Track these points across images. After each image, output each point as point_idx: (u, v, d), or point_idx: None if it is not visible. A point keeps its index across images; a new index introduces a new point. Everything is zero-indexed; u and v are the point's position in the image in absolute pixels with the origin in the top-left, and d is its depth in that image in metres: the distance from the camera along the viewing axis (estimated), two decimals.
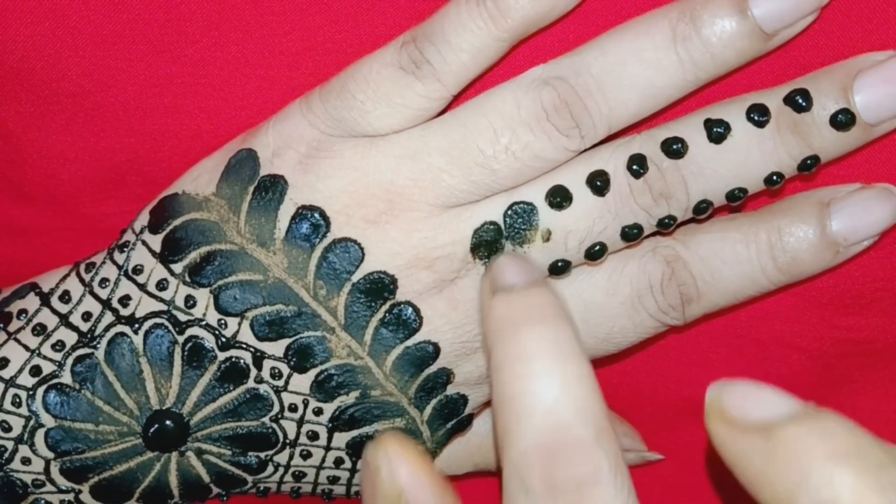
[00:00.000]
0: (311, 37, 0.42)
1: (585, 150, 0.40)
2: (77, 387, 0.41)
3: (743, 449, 0.31)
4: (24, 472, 0.42)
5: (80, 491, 0.42)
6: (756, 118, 0.39)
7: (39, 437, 0.42)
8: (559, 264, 0.41)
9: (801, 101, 0.39)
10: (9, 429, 0.42)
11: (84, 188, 0.45)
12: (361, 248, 0.40)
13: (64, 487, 0.42)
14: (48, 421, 0.42)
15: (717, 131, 0.39)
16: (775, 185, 0.40)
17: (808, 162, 0.40)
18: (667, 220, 0.40)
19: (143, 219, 0.42)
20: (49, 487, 0.42)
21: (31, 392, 0.42)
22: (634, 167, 0.40)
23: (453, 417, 0.43)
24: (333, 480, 0.44)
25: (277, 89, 0.42)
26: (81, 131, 0.43)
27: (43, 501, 0.43)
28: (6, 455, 0.42)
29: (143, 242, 0.42)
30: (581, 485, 0.32)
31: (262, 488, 0.44)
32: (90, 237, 0.46)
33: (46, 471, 0.42)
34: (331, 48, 0.42)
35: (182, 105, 0.43)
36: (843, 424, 0.30)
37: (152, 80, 0.42)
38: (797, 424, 0.30)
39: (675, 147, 0.40)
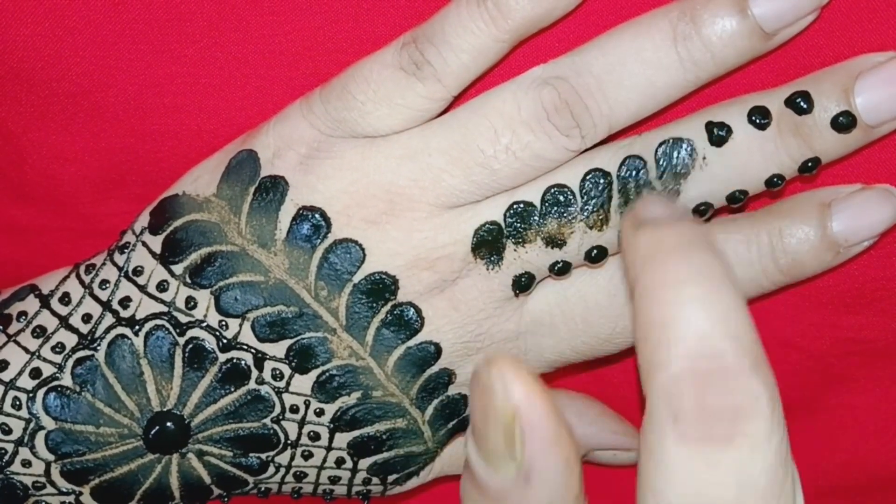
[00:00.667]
0: (311, 37, 0.41)
1: (586, 151, 0.40)
2: (77, 389, 0.41)
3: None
4: (24, 474, 0.42)
5: (80, 493, 0.42)
6: (757, 121, 0.39)
7: (40, 439, 0.42)
8: (559, 265, 0.41)
9: (802, 103, 0.39)
10: (9, 431, 0.42)
11: (84, 188, 0.45)
12: (362, 249, 0.40)
13: (64, 489, 0.42)
14: (48, 423, 0.41)
15: (718, 134, 0.39)
16: (776, 187, 0.40)
17: (809, 164, 0.40)
18: None
19: (144, 220, 0.42)
20: (49, 490, 0.42)
21: (31, 394, 0.41)
22: None
23: (455, 417, 0.43)
24: (334, 480, 0.44)
25: (277, 89, 0.42)
26: (81, 131, 0.43)
27: (43, 503, 0.43)
28: (6, 458, 0.42)
29: (144, 243, 0.42)
30: (737, 415, 0.31)
31: (263, 489, 0.44)
32: (90, 237, 0.46)
33: (47, 473, 0.42)
34: (331, 48, 0.42)
35: (182, 105, 0.43)
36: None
37: (152, 80, 0.42)
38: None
39: None
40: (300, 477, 0.43)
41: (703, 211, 0.40)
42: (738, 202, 0.40)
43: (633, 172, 0.40)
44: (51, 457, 0.42)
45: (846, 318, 0.45)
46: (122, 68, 0.42)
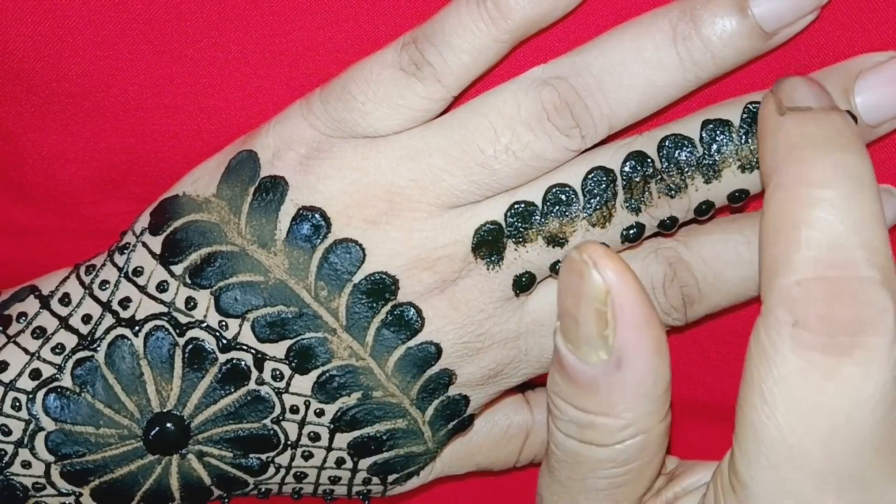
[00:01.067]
0: (312, 37, 0.41)
1: (586, 151, 0.40)
2: (77, 390, 0.41)
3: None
4: (24, 475, 0.42)
5: (80, 494, 0.42)
6: None
7: (40, 440, 0.41)
8: (560, 264, 0.41)
9: None
10: (9, 432, 0.42)
11: (84, 188, 0.45)
12: (362, 249, 0.40)
13: (64, 491, 0.42)
14: (48, 424, 0.41)
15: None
16: None
17: None
18: (668, 222, 0.40)
19: (144, 221, 0.42)
20: (49, 491, 0.42)
21: (30, 395, 0.41)
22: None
23: (455, 418, 0.43)
24: (335, 480, 0.44)
25: (277, 89, 0.42)
26: (81, 131, 0.43)
27: None
28: (6, 459, 0.42)
29: (144, 244, 0.42)
30: (861, 327, 0.30)
31: (263, 490, 0.44)
32: (90, 237, 0.46)
33: (47, 474, 0.42)
34: (331, 48, 0.42)
35: (182, 105, 0.42)
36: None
37: (152, 80, 0.42)
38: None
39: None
40: (300, 477, 0.43)
41: (705, 210, 0.40)
42: (739, 202, 0.40)
43: (638, 168, 0.40)
44: (51, 458, 0.42)
45: None
46: (123, 68, 0.42)
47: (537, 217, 0.40)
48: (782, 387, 0.31)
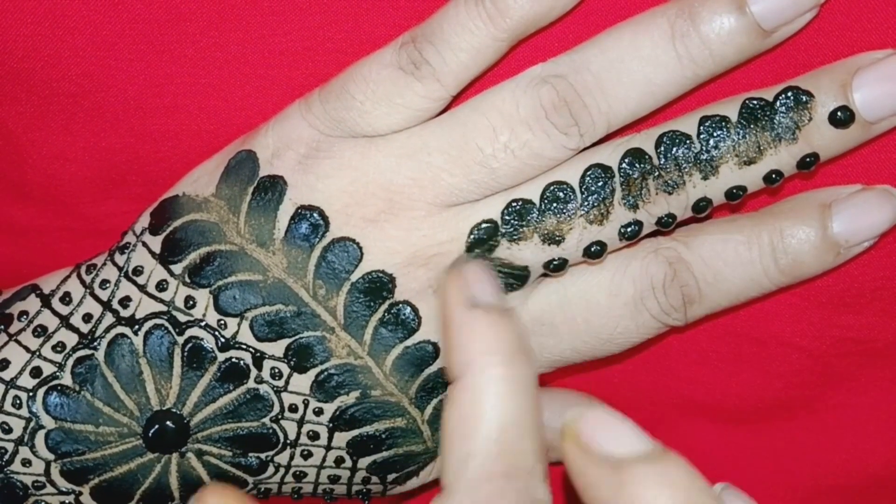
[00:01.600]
0: (312, 37, 0.42)
1: (585, 149, 0.40)
2: (77, 388, 0.41)
3: (593, 478, 0.33)
4: (24, 473, 0.42)
5: (80, 493, 0.42)
6: None
7: (40, 438, 0.42)
8: (556, 262, 0.41)
9: (801, 98, 0.39)
10: (9, 430, 0.42)
11: (84, 188, 0.45)
12: (360, 248, 0.40)
13: (64, 489, 0.42)
14: (48, 422, 0.41)
15: None
16: (774, 184, 0.40)
17: (808, 160, 0.40)
18: (666, 219, 0.40)
19: (144, 221, 0.42)
20: (49, 489, 0.42)
21: (31, 393, 0.42)
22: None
23: None
24: (334, 480, 0.44)
25: (277, 89, 0.42)
26: (81, 131, 0.43)
27: (43, 503, 0.43)
28: (6, 457, 0.42)
29: (144, 244, 0.42)
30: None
31: (263, 489, 0.44)
32: (90, 237, 0.46)
33: (47, 472, 0.42)
34: (331, 48, 0.42)
35: (182, 105, 0.43)
36: (685, 471, 0.32)
37: (152, 80, 0.42)
38: (643, 465, 0.32)
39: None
40: (300, 477, 0.43)
41: (703, 207, 0.40)
42: (736, 199, 0.40)
43: (636, 165, 0.40)
44: (50, 456, 0.42)
45: (846, 317, 0.45)
46: (123, 68, 0.42)
47: (534, 215, 0.40)
48: None
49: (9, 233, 0.47)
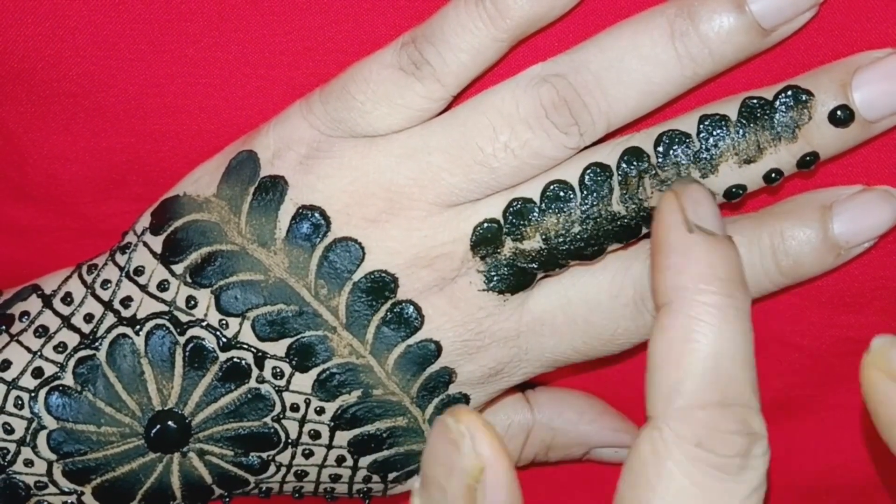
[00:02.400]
0: (312, 37, 0.42)
1: (585, 148, 0.40)
2: (79, 388, 0.41)
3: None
4: (26, 474, 0.42)
5: (82, 493, 0.42)
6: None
7: (42, 438, 0.42)
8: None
9: (801, 97, 0.39)
10: (11, 431, 0.42)
11: (84, 188, 0.45)
12: (362, 248, 0.40)
13: (66, 489, 0.42)
14: (50, 423, 0.41)
15: None
16: (774, 183, 0.40)
17: (808, 159, 0.40)
18: None
19: (145, 221, 0.42)
20: (51, 489, 0.42)
21: (33, 394, 0.42)
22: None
23: None
24: (335, 479, 0.44)
25: (278, 89, 0.42)
26: (81, 131, 0.44)
27: (45, 503, 0.43)
28: (8, 457, 0.42)
29: (145, 244, 0.42)
30: (748, 451, 0.34)
31: (264, 489, 0.44)
32: (91, 237, 0.46)
33: (49, 473, 0.42)
34: (331, 48, 0.42)
35: (182, 105, 0.43)
36: None
37: (152, 80, 0.42)
38: None
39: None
40: (301, 476, 0.43)
41: None
42: (736, 197, 0.40)
43: (634, 164, 0.40)
44: (53, 456, 0.42)
45: (846, 317, 0.45)
46: (123, 68, 0.42)
47: (535, 214, 0.40)
48: (682, 496, 0.34)
49: (9, 233, 0.47)
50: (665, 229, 0.35)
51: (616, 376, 0.48)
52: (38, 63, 0.42)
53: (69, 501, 0.43)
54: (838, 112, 0.39)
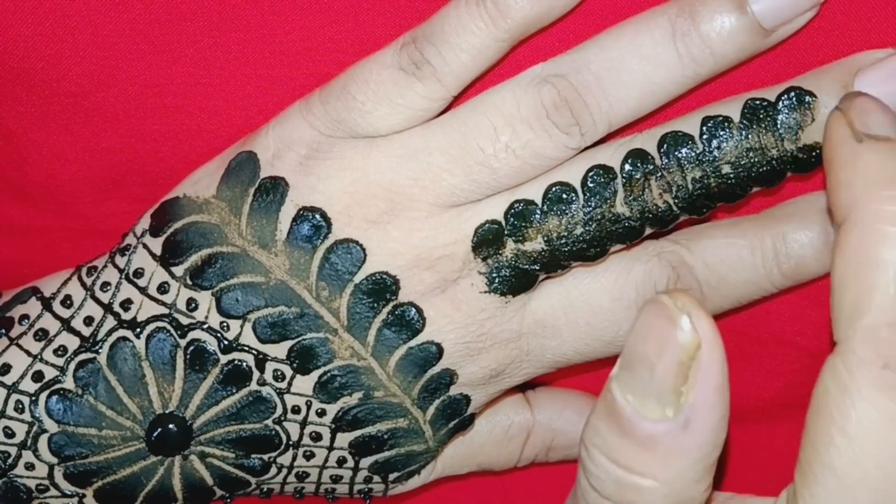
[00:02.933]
0: (312, 37, 0.41)
1: (587, 149, 0.40)
2: (79, 392, 0.41)
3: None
4: (27, 477, 0.42)
5: (83, 495, 0.42)
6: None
7: (43, 442, 0.41)
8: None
9: (804, 98, 0.39)
10: (12, 434, 0.42)
11: (84, 188, 0.45)
12: (363, 249, 0.40)
13: (68, 492, 0.42)
14: (51, 426, 0.41)
15: None
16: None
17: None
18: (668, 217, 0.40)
19: (145, 222, 0.42)
20: (53, 492, 0.42)
21: (33, 397, 0.41)
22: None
23: (456, 417, 0.43)
24: (336, 479, 0.44)
25: (278, 89, 0.42)
26: (82, 131, 0.43)
27: None
28: (10, 461, 0.42)
29: (144, 246, 0.42)
30: None
31: (265, 489, 0.44)
32: (90, 237, 0.46)
33: (50, 476, 0.42)
34: (331, 48, 0.42)
35: (182, 105, 0.43)
36: None
37: (152, 80, 0.42)
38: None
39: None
40: (302, 477, 0.43)
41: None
42: (738, 199, 0.40)
43: (638, 166, 0.40)
44: (54, 460, 0.42)
45: None
46: (123, 68, 0.42)
47: (537, 215, 0.40)
48: (869, 429, 0.31)
49: (9, 233, 0.47)
50: (833, 147, 0.33)
51: None
52: (38, 63, 0.42)
53: None
54: None
